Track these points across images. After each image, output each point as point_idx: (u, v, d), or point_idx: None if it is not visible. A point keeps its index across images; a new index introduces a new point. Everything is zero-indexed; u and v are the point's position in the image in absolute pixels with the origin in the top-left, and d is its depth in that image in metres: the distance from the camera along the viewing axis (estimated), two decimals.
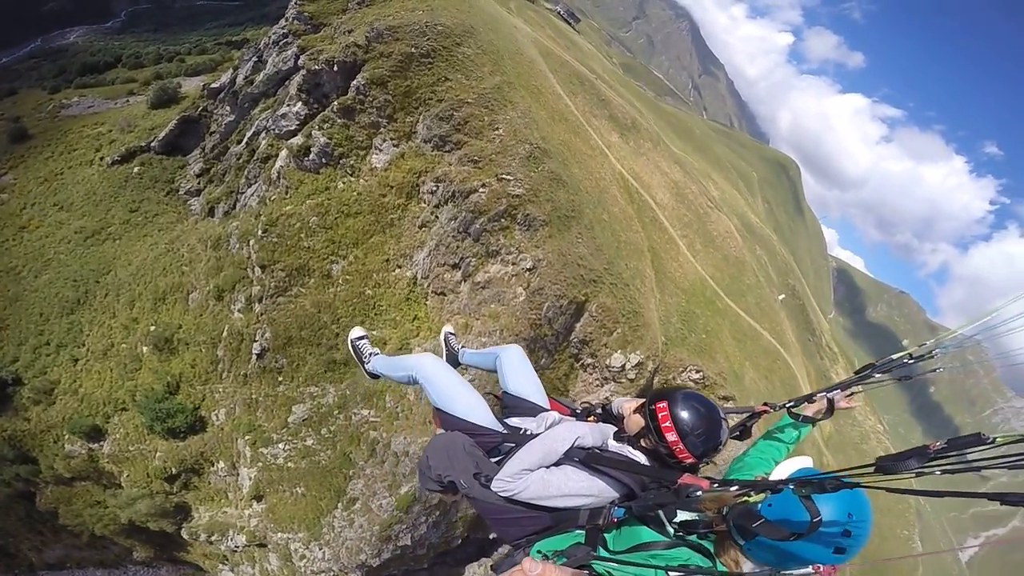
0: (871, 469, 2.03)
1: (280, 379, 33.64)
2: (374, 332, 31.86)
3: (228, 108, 41.18)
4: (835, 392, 3.66)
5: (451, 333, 5.61)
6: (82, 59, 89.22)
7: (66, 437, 34.94)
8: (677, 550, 2.59)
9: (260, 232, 31.42)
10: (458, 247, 28.87)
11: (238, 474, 34.38)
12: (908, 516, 65.55)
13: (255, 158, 36.00)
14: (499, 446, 3.40)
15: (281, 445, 33.19)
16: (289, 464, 32.98)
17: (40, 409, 35.83)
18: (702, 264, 43.49)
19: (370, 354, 4.92)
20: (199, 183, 41.69)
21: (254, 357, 33.39)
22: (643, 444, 3.13)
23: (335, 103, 31.58)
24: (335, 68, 32.80)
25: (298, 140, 32.27)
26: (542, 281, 27.09)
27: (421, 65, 31.71)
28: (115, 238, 42.66)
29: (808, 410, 3.67)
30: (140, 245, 41.36)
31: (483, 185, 27.99)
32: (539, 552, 2.72)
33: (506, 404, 3.88)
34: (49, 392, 36.15)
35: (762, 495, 2.46)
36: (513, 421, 3.61)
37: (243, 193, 36.74)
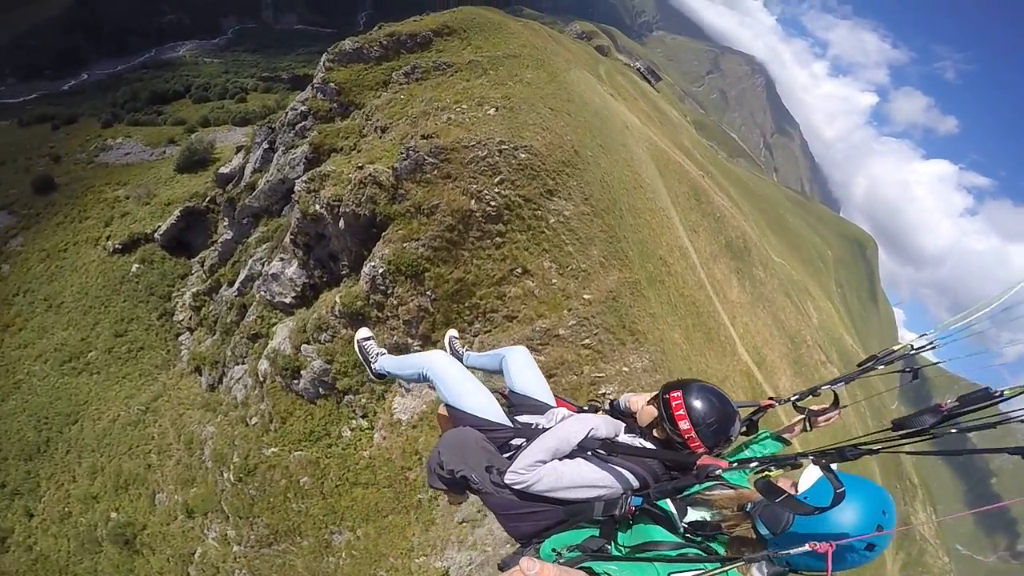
0: (887, 433, 1.93)
1: None
2: None
3: (227, 220, 28.48)
4: (839, 385, 3.19)
5: (455, 337, 4.49)
6: (153, 86, 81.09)
7: None
8: (684, 550, 2.18)
9: (233, 477, 18.67)
10: None
11: None
12: None
13: (242, 330, 23.20)
14: (510, 441, 2.95)
15: None
16: None
17: None
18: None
19: (377, 354, 3.99)
20: (191, 320, 29.60)
21: None
22: (655, 435, 2.74)
23: (338, 300, 17.66)
24: (341, 223, 18.78)
25: (286, 347, 18.81)
26: None
27: (485, 236, 16.99)
28: (92, 371, 32.62)
29: (813, 404, 3.18)
30: (115, 393, 30.66)
31: None
32: (553, 549, 2.35)
33: (513, 402, 3.33)
34: (2, 540, 31.86)
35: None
36: (522, 418, 3.14)
37: (229, 368, 24.10)
